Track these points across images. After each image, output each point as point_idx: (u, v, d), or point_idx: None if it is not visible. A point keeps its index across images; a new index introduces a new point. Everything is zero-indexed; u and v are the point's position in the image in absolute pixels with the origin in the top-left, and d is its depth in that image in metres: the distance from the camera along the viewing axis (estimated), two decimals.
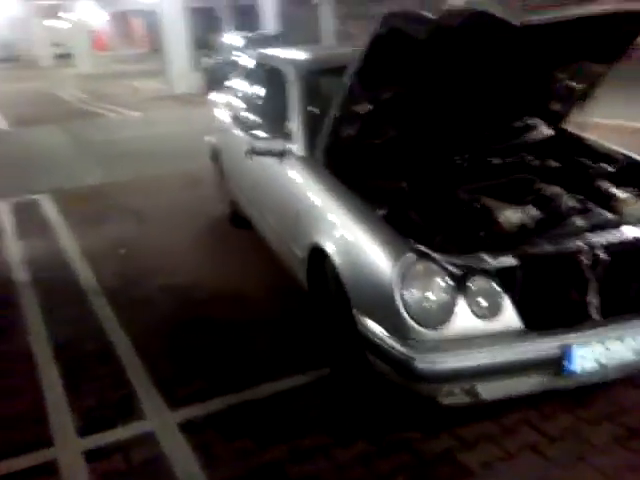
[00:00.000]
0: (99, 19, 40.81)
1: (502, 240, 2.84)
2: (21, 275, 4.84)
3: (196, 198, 6.48)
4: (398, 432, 2.82)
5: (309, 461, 2.68)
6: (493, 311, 2.55)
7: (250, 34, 17.30)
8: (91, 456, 2.79)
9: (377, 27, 2.69)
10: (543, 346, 2.55)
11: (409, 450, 2.72)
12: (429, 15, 2.55)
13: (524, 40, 2.93)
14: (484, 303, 2.55)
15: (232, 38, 17.85)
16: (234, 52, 14.02)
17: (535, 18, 2.39)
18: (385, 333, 2.60)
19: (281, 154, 3.70)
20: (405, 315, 2.50)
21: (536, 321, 2.58)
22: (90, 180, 7.62)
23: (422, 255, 2.57)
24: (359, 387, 3.00)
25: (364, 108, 3.26)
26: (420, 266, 2.55)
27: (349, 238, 2.91)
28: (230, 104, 5.46)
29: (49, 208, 6.57)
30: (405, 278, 2.52)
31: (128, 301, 4.28)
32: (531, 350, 2.55)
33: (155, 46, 29.54)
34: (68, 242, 5.52)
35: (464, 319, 2.53)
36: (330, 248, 3.00)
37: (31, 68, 32.46)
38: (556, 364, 2.56)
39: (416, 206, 3.14)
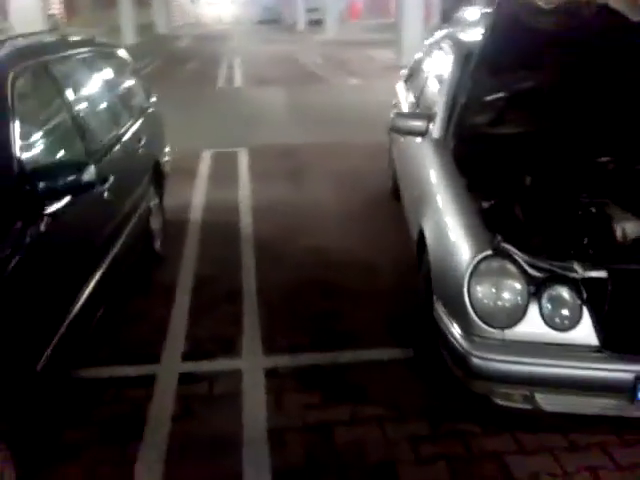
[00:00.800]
0: None
1: (606, 251, 2.64)
2: (196, 215, 5.48)
3: (372, 169, 6.65)
4: (458, 422, 2.81)
5: (361, 427, 2.80)
6: (568, 322, 2.41)
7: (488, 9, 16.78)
8: (183, 379, 3.18)
9: (494, 13, 2.61)
10: (617, 370, 2.37)
11: (461, 441, 2.70)
12: (542, 4, 2.42)
13: None
14: (559, 312, 2.42)
15: (470, 12, 17.46)
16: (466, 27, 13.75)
17: None
18: (452, 324, 2.59)
19: (420, 134, 3.73)
20: (470, 310, 2.47)
21: (614, 342, 2.39)
22: (288, 139, 8.17)
23: (501, 253, 2.50)
24: (432, 371, 3.00)
25: (493, 96, 3.17)
26: (495, 264, 2.49)
27: (442, 225, 2.91)
28: (406, 79, 5.52)
29: (243, 160, 7.22)
30: (477, 273, 2.48)
31: (271, 253, 4.65)
32: (602, 371, 2.38)
33: None
34: (245, 192, 6.07)
35: (534, 325, 2.43)
36: (427, 232, 3.02)
37: (286, 32, 34.73)
38: (630, 391, 2.36)
39: (529, 203, 3.01)
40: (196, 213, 5.54)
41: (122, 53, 4.87)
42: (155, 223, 4.51)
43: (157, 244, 4.54)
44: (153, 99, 5.20)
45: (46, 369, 2.41)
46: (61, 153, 3.01)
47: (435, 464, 2.58)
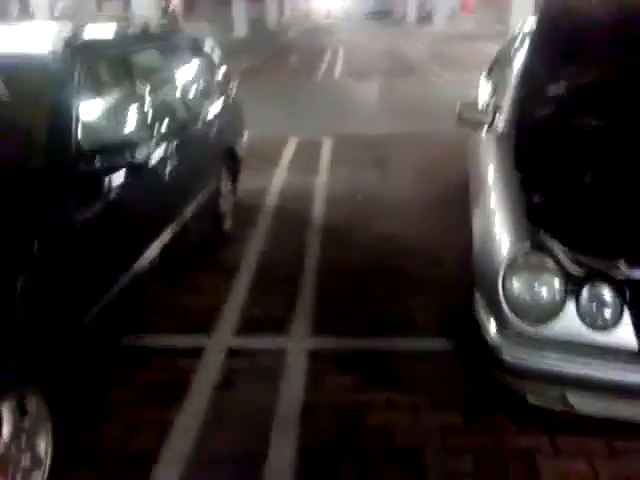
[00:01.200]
0: None
1: None
2: (271, 199, 5.61)
3: (455, 162, 6.50)
4: (494, 417, 2.73)
5: (394, 413, 2.79)
6: (606, 323, 2.29)
7: None
8: (231, 352, 3.29)
9: (542, 7, 2.51)
10: None
11: (493, 436, 2.63)
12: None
13: None
14: (598, 312, 2.30)
15: None
16: None
17: None
18: (488, 318, 2.52)
19: (484, 125, 3.64)
20: (504, 304, 2.40)
21: None
22: (376, 130, 8.16)
23: (541, 248, 2.42)
24: (471, 364, 2.94)
25: (559, 89, 3.04)
26: (533, 258, 2.42)
27: (488, 218, 2.85)
28: (489, 70, 5.39)
29: (326, 149, 7.29)
30: (514, 267, 2.42)
31: (339, 240, 4.70)
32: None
33: None
34: (323, 180, 6.14)
35: (570, 323, 2.33)
36: (474, 225, 2.96)
37: (394, 25, 34.56)
38: None
39: (585, 199, 2.86)
40: (272, 197, 5.66)
41: (205, 44, 5.04)
42: (225, 205, 4.66)
43: (226, 225, 4.68)
44: (233, 86, 5.35)
45: (91, 327, 2.57)
46: (121, 134, 3.17)
47: (462, 456, 2.53)
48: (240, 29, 28.49)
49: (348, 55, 19.08)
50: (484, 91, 5.18)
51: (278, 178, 6.23)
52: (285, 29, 33.19)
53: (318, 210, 5.34)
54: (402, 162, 6.69)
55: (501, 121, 3.54)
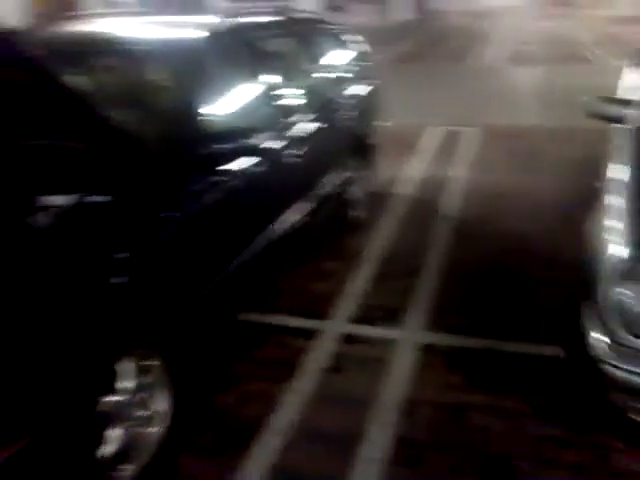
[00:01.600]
0: None
1: None
2: (404, 189, 5.67)
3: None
4: (601, 433, 2.64)
5: (495, 417, 2.78)
6: None
7: None
8: (344, 338, 3.42)
9: None
10: None
11: (596, 453, 2.54)
12: None
13: None
14: None
15: None
16: None
17: None
18: (593, 328, 2.44)
19: (616, 121, 3.45)
20: (610, 314, 2.32)
21: None
22: (524, 121, 7.89)
23: None
24: (579, 375, 2.84)
25: None
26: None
27: (602, 220, 2.71)
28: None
29: (468, 140, 7.15)
30: (623, 276, 2.32)
31: (466, 235, 4.66)
32: None
33: None
34: (459, 172, 6.06)
35: None
36: (589, 227, 2.84)
37: (567, 5, 32.54)
38: None
39: None
40: (404, 187, 5.70)
41: (347, 32, 5.16)
42: (356, 193, 4.77)
43: (356, 213, 4.80)
44: (372, 73, 5.41)
45: (209, 300, 2.82)
46: (249, 119, 3.23)
47: (558, 471, 2.48)
48: (400, 12, 28.25)
49: (510, 39, 18.38)
50: (629, 81, 4.83)
51: (414, 168, 6.24)
52: (447, 12, 32.43)
53: (450, 203, 5.30)
54: (546, 158, 6.41)
55: (636, 114, 3.34)
